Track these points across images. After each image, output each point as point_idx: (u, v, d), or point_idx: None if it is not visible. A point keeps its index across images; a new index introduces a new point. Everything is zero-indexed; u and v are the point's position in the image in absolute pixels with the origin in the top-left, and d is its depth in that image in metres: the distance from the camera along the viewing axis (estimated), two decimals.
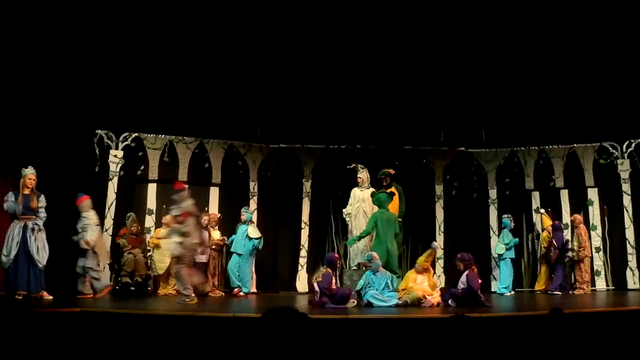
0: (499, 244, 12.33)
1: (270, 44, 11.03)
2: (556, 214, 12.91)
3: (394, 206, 10.61)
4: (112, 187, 11.84)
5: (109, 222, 11.68)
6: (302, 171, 13.28)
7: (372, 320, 7.57)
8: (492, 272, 12.95)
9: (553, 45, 10.95)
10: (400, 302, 9.01)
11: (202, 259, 10.95)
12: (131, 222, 11.35)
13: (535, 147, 13.29)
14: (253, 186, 13.06)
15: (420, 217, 12.79)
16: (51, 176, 10.24)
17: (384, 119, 12.62)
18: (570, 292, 11.78)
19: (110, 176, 11.85)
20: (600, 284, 12.59)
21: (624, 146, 12.72)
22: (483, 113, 12.70)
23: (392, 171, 10.99)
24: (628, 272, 12.41)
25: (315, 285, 9.23)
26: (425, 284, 9.48)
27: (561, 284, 11.91)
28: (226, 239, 11.71)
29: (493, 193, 13.46)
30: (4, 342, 5.37)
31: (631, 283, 12.34)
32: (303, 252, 13.05)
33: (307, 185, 13.20)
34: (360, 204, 11.01)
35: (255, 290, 11.91)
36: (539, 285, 12.40)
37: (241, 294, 11.13)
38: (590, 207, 12.90)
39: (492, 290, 12.56)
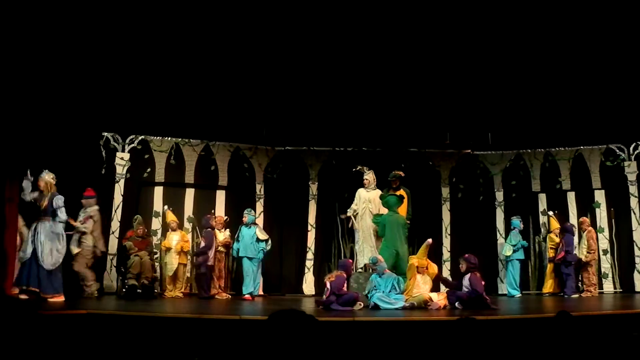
0: (507, 245, 12.31)
1: (276, 47, 11.03)
2: (563, 217, 12.87)
3: (402, 209, 10.67)
4: (119, 189, 11.87)
5: (115, 224, 11.71)
6: (308, 174, 13.28)
7: (378, 323, 7.57)
8: (498, 274, 12.93)
9: (559, 47, 10.93)
10: (407, 305, 9.01)
11: (209, 261, 11.00)
12: (137, 224, 11.39)
13: (542, 150, 13.25)
14: (259, 189, 13.06)
15: (427, 219, 12.76)
16: (58, 178, 10.26)
17: (390, 121, 12.61)
18: (577, 295, 11.77)
19: (117, 178, 11.89)
20: (608, 286, 12.55)
21: (631, 148, 12.68)
22: (489, 115, 12.69)
23: (402, 174, 11.04)
24: (635, 275, 12.36)
25: (328, 283, 9.25)
26: (427, 286, 9.48)
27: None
28: (231, 242, 11.67)
29: (499, 195, 13.43)
30: (10, 344, 5.38)
31: (639, 285, 12.29)
32: (309, 255, 13.03)
33: (313, 188, 13.19)
34: (367, 205, 11.06)
35: (262, 293, 11.91)
36: (547, 288, 12.36)
37: (247, 295, 11.08)
38: (597, 210, 12.86)
39: (500, 292, 12.55)
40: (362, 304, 9.18)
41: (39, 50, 10.26)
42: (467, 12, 10.30)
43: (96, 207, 10.78)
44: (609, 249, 12.69)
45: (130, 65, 11.01)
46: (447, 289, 9.78)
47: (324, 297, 9.20)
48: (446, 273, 12.62)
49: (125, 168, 11.97)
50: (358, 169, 11.39)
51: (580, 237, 12.39)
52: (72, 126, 11.24)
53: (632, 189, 12.60)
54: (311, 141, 13.19)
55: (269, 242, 11.52)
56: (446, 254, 12.99)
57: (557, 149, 13.18)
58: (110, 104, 11.52)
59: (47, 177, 9.59)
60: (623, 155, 12.71)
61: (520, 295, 12.06)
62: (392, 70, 11.55)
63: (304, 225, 13.16)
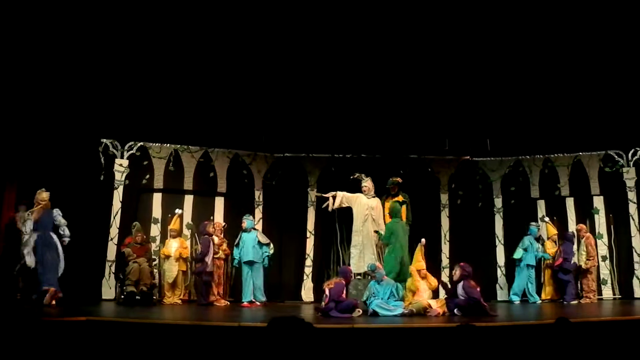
0: (518, 250, 12.28)
1: (276, 54, 11.06)
2: (562, 223, 12.87)
3: (402, 214, 10.72)
4: (117, 196, 11.85)
5: (114, 231, 11.69)
6: (307, 180, 13.27)
7: (377, 330, 7.56)
8: (497, 281, 12.92)
9: (558, 53, 10.96)
10: (406, 312, 9.00)
11: (208, 268, 10.98)
12: (136, 231, 11.38)
13: (541, 156, 13.25)
14: (258, 195, 13.04)
15: (426, 226, 12.73)
16: (56, 185, 10.28)
17: (389, 128, 12.61)
18: (577, 301, 11.76)
19: (116, 185, 11.87)
20: (607, 292, 12.51)
21: (630, 154, 12.66)
22: (488, 122, 12.71)
23: (400, 180, 11.07)
24: (635, 281, 12.32)
25: (327, 289, 9.25)
26: (427, 293, 9.49)
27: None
28: (228, 249, 11.66)
29: (498, 202, 13.42)
30: (12, 350, 5.38)
31: (638, 292, 12.25)
32: (308, 262, 12.99)
33: (312, 195, 13.18)
34: (369, 212, 11.05)
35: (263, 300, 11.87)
36: (545, 295, 12.35)
37: (245, 303, 11.07)
38: (596, 216, 12.85)
39: (499, 299, 12.53)
40: (361, 310, 9.17)
41: (38, 58, 10.30)
42: (466, 20, 10.34)
43: None
44: (608, 255, 12.66)
45: (129, 72, 11.04)
46: (446, 296, 9.78)
47: (323, 304, 9.19)
48: (445, 279, 12.58)
49: (124, 174, 11.95)
50: (356, 176, 11.39)
51: (579, 244, 12.38)
52: (71, 133, 11.26)
53: (631, 195, 12.58)
54: (310, 148, 13.18)
55: (271, 245, 11.56)
56: (445, 261, 12.96)
57: (556, 155, 13.18)
58: (109, 110, 11.54)
59: (38, 194, 9.86)
60: (622, 161, 12.70)
61: (519, 301, 12.03)
62: (392, 77, 11.58)
63: (303, 232, 13.13)
